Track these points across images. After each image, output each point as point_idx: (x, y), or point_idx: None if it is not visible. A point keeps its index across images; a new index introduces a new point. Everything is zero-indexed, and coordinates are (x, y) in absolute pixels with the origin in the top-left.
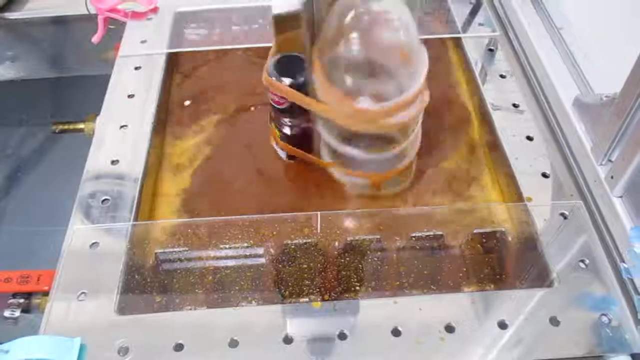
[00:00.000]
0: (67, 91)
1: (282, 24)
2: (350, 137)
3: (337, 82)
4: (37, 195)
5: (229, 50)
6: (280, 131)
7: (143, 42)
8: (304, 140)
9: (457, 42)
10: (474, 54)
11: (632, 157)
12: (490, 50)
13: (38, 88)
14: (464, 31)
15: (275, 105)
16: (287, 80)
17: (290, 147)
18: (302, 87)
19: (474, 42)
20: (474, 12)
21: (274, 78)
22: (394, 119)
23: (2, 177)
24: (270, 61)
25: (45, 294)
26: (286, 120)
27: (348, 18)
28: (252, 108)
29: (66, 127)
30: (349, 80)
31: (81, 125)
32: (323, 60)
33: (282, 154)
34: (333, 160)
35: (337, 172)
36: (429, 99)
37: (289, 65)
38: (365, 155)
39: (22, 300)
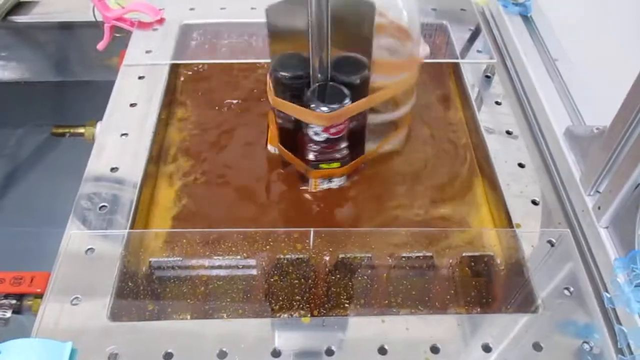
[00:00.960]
0: (69, 95)
1: (278, 39)
2: None
3: None
4: (34, 196)
5: (233, 64)
6: (336, 159)
7: (148, 52)
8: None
9: (455, 67)
10: (471, 80)
11: (619, 190)
12: (487, 76)
13: (41, 91)
14: (463, 57)
15: (332, 137)
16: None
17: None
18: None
19: (471, 67)
20: (472, 39)
21: (313, 106)
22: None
23: (0, 177)
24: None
25: (38, 296)
26: (343, 144)
27: None
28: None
29: (67, 130)
30: None
31: (81, 130)
32: None
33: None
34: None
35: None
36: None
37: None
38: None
39: (13, 302)
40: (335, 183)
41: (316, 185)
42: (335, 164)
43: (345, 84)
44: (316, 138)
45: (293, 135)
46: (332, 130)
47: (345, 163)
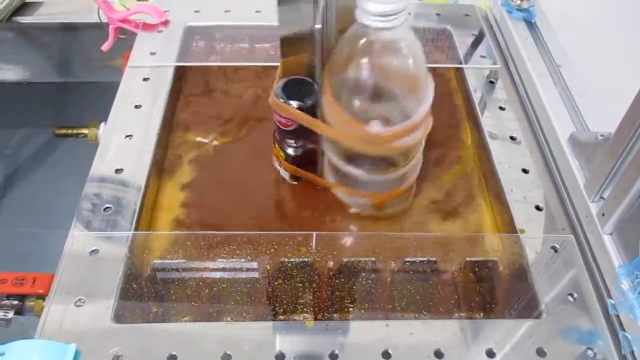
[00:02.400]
0: (72, 96)
1: (289, 46)
2: (354, 158)
3: (344, 105)
4: (36, 197)
5: (238, 67)
6: (285, 152)
7: (152, 54)
8: (308, 160)
9: (459, 72)
10: (475, 85)
11: (623, 197)
12: (491, 82)
13: (44, 91)
14: (466, 62)
15: (281, 127)
16: (294, 103)
17: (295, 167)
18: (310, 110)
19: (475, 72)
20: (476, 44)
21: (281, 100)
22: (401, 142)
23: (2, 177)
24: (278, 84)
25: (40, 297)
26: (291, 141)
27: (359, 44)
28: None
29: (69, 131)
30: (357, 104)
31: (84, 131)
32: (332, 83)
33: (286, 175)
34: (336, 180)
35: (339, 193)
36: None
37: (297, 88)
38: (369, 177)
39: (15, 302)
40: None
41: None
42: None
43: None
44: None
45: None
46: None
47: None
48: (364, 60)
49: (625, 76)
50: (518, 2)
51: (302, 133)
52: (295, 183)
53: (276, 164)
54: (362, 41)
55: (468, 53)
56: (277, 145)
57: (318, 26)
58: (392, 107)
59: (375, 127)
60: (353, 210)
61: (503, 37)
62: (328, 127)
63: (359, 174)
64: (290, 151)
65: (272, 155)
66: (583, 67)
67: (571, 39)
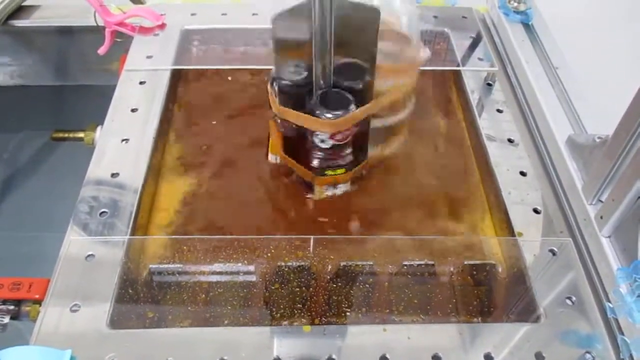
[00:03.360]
0: (69, 99)
1: (284, 49)
2: None
3: None
4: (33, 201)
5: (235, 70)
6: (340, 166)
7: (149, 57)
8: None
9: (457, 74)
10: (472, 87)
11: (621, 199)
12: (489, 84)
13: (40, 95)
14: (464, 64)
15: (338, 143)
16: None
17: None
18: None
19: (472, 75)
20: (473, 46)
21: (318, 112)
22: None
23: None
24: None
25: (36, 302)
26: (348, 150)
27: None
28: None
29: (66, 135)
30: None
31: (81, 134)
32: None
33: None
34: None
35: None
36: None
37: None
38: None
39: (11, 307)
40: (340, 189)
41: (321, 192)
42: (341, 170)
43: (348, 89)
44: (322, 145)
45: (296, 144)
46: (338, 137)
47: (350, 169)
48: None
49: (622, 78)
50: (515, 4)
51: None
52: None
53: (270, 157)
54: None
55: (465, 55)
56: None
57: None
58: None
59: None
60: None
61: (500, 40)
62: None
63: None
64: (349, 159)
65: (269, 151)
66: (580, 69)
67: (568, 42)
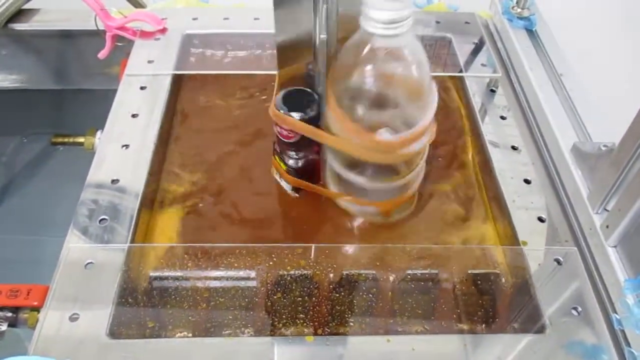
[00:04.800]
0: (68, 104)
1: (286, 55)
2: (357, 166)
3: (348, 114)
4: (32, 205)
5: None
6: (286, 164)
7: (150, 62)
8: (309, 171)
9: (459, 80)
10: (476, 93)
11: (628, 209)
12: (492, 90)
13: (40, 99)
14: (466, 70)
15: (282, 139)
16: (296, 115)
17: (296, 179)
18: (313, 121)
19: (475, 81)
20: (476, 52)
21: (282, 112)
22: (408, 149)
23: None
24: (278, 95)
25: (34, 309)
26: (292, 153)
27: (363, 52)
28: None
29: (66, 140)
30: (360, 112)
31: (81, 139)
32: (335, 92)
33: (287, 187)
34: (338, 190)
35: (345, 202)
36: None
37: (298, 99)
38: (372, 184)
39: (9, 314)
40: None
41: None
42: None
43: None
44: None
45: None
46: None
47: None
48: (368, 68)
49: (627, 86)
50: (519, 10)
51: (303, 144)
52: (297, 195)
53: (276, 176)
54: (366, 48)
55: (468, 61)
56: (277, 157)
57: (323, 36)
58: (395, 115)
59: (384, 135)
60: (359, 220)
61: (504, 46)
62: (332, 136)
63: (362, 182)
64: (292, 163)
65: (272, 167)
66: (584, 76)
67: (573, 48)
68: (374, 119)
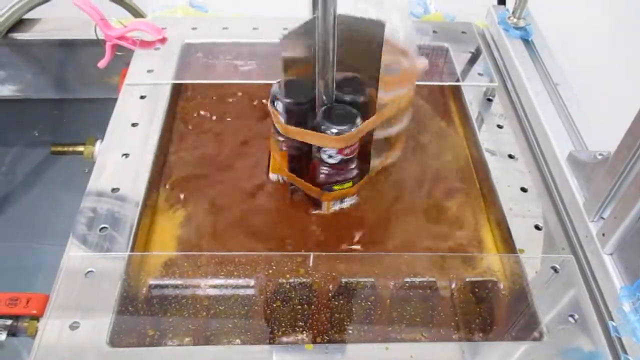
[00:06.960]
0: (68, 113)
1: (291, 67)
2: None
3: None
4: (32, 213)
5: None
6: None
7: (150, 71)
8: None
9: (456, 89)
10: (472, 102)
11: (624, 217)
12: (489, 99)
13: (40, 108)
14: (463, 79)
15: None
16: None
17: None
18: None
19: (472, 90)
20: (473, 61)
21: (324, 128)
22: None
23: None
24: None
25: (34, 317)
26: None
27: None
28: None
29: (65, 149)
30: None
31: (80, 148)
32: None
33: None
34: None
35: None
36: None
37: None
38: None
39: (9, 323)
40: (347, 203)
41: (329, 207)
42: (348, 184)
43: (350, 103)
44: (330, 161)
45: (300, 161)
46: (346, 151)
47: (356, 182)
48: None
49: (622, 94)
50: (515, 20)
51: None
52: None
53: (272, 175)
54: None
55: (465, 70)
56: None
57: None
58: None
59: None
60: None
61: (500, 55)
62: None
63: None
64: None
65: (272, 167)
66: (580, 85)
67: (569, 58)
68: None
